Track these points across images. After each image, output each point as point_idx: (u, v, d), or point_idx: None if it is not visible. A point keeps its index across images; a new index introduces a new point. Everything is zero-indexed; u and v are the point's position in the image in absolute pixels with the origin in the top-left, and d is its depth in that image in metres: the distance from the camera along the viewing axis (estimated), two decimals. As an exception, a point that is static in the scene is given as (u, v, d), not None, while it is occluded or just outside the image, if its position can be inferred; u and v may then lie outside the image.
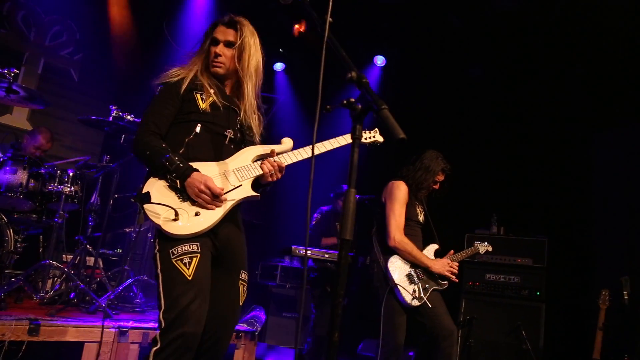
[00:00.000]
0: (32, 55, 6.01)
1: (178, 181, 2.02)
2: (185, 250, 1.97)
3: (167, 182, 2.05)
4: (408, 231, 3.50)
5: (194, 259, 1.97)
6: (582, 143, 5.55)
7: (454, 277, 3.43)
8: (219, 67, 2.25)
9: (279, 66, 7.20)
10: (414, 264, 3.40)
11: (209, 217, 2.05)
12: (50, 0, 5.99)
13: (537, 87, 5.79)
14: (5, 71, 3.43)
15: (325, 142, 2.32)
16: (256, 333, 4.00)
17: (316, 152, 2.21)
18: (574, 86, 5.51)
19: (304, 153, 2.27)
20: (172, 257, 1.96)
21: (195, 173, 2.04)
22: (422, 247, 3.57)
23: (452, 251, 3.59)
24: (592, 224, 5.40)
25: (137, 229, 4.39)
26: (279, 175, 2.19)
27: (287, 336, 5.10)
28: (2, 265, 3.26)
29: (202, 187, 2.00)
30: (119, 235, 5.04)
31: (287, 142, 2.30)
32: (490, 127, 6.09)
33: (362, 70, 6.88)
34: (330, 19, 1.55)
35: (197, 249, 1.99)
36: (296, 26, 5.75)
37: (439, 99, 6.38)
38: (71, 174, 3.68)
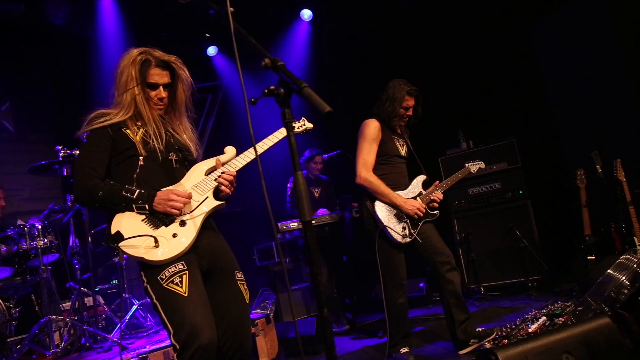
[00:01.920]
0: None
1: (146, 205, 2.02)
2: (172, 271, 1.99)
3: (135, 212, 2.04)
4: (389, 168, 3.50)
5: (184, 276, 1.99)
6: (524, 37, 5.59)
7: (419, 215, 3.36)
8: (162, 109, 2.29)
9: (212, 50, 6.91)
10: None
11: (188, 234, 2.06)
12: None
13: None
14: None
15: (266, 140, 2.37)
16: (271, 315, 4.09)
17: (250, 157, 2.29)
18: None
19: (250, 155, 2.31)
20: (162, 282, 1.97)
21: (158, 192, 2.07)
22: (407, 183, 3.55)
23: (437, 182, 3.57)
24: (553, 111, 5.53)
25: (125, 256, 4.37)
26: (234, 185, 2.23)
27: (301, 307, 5.21)
28: (3, 336, 3.24)
29: (171, 195, 2.03)
30: (109, 268, 5.01)
31: (230, 150, 2.35)
32: (433, 48, 6.08)
33: (290, 28, 6.78)
34: (232, 9, 1.52)
35: (184, 267, 2.01)
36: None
37: (376, 38, 6.33)
38: (39, 226, 3.61)
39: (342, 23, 6.51)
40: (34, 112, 6.00)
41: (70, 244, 4.14)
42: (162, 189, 2.09)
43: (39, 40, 5.83)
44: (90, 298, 4.19)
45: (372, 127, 3.48)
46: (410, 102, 3.54)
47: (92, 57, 5.68)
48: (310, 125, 2.66)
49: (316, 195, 5.47)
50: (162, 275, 1.98)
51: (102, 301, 4.61)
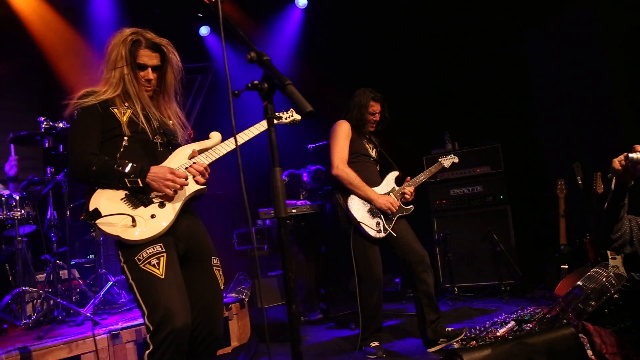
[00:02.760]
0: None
1: (139, 179, 2.02)
2: (150, 252, 2.00)
3: (118, 190, 2.05)
4: (359, 166, 3.58)
5: (162, 258, 2.00)
6: (516, 43, 5.63)
7: (392, 210, 3.43)
8: (150, 91, 2.28)
9: (204, 30, 6.83)
10: None
11: (166, 217, 2.07)
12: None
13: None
14: None
15: (247, 131, 2.37)
16: (246, 300, 4.11)
17: (227, 149, 2.30)
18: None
19: (227, 147, 2.32)
20: (139, 263, 1.98)
21: (153, 167, 2.06)
22: (379, 180, 3.63)
23: (408, 178, 3.66)
24: (538, 120, 5.59)
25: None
26: (206, 175, 2.22)
27: (277, 294, 5.24)
28: (-25, 304, 3.22)
29: (169, 175, 2.04)
30: (86, 242, 4.99)
31: (215, 136, 2.35)
32: (425, 48, 6.09)
33: (283, 15, 6.72)
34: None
35: (162, 249, 2.02)
36: None
37: (369, 31, 6.30)
38: (17, 197, 3.58)
39: (336, 15, 6.47)
40: (17, 80, 5.89)
41: (48, 217, 4.10)
42: (158, 166, 2.10)
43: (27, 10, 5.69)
44: (65, 271, 4.17)
45: (344, 126, 3.63)
46: (376, 107, 3.68)
47: (81, 29, 5.57)
48: (298, 117, 2.66)
49: (301, 197, 5.50)
50: (140, 256, 1.99)
51: (77, 275, 4.60)
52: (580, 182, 4.47)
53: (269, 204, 5.07)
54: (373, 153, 3.73)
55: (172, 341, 1.89)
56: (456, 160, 3.92)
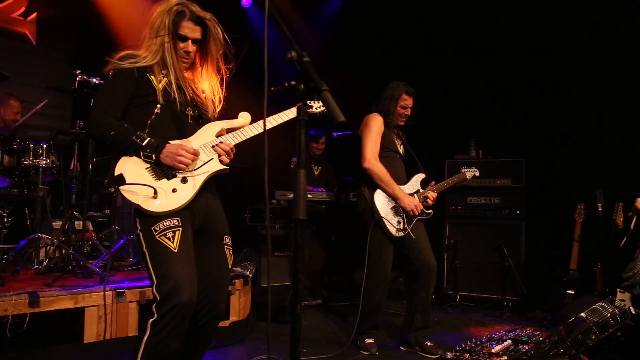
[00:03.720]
0: (-18, 23, 5.71)
1: (153, 155, 2.06)
2: (167, 225, 2.03)
3: (141, 159, 2.08)
4: (388, 161, 3.57)
5: (177, 232, 2.04)
6: (557, 60, 5.51)
7: (415, 212, 3.44)
8: (187, 63, 2.29)
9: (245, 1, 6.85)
10: None
11: (187, 192, 2.10)
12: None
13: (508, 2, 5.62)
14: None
15: (276, 116, 2.37)
16: (250, 276, 4.17)
17: (254, 132, 2.31)
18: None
19: (254, 130, 2.33)
20: (155, 234, 2.02)
21: (168, 144, 2.10)
22: (405, 179, 3.64)
23: (432, 182, 3.65)
24: (568, 140, 5.49)
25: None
26: (231, 156, 2.24)
27: (281, 276, 5.30)
28: (-7, 243, 3.33)
29: (180, 150, 2.07)
30: (104, 197, 5.09)
31: (245, 116, 2.36)
32: (462, 50, 6.00)
33: (318, 5, 6.63)
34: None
35: (179, 223, 2.06)
36: None
37: (405, 27, 6.21)
38: (45, 146, 3.66)
39: (374, 13, 6.37)
40: (57, 29, 5.95)
41: (71, 167, 4.19)
42: (172, 142, 2.12)
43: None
44: (80, 222, 4.27)
45: (377, 119, 3.59)
46: (409, 101, 3.64)
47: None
48: None
49: (315, 173, 5.51)
50: (157, 227, 2.03)
51: (90, 228, 4.71)
52: (600, 209, 4.41)
53: (284, 187, 5.10)
54: (401, 149, 3.71)
55: (176, 313, 1.94)
56: (477, 174, 3.91)
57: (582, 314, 2.85)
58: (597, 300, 3.20)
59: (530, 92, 5.59)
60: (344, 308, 4.67)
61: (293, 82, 1.28)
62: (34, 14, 5.89)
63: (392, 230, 3.43)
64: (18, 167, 3.60)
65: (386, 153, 3.60)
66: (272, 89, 1.35)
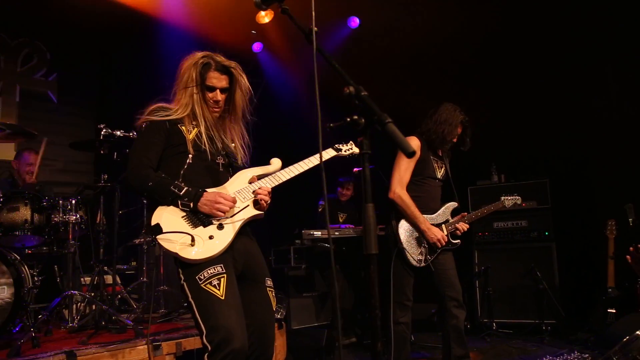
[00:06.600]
0: (6, 84, 5.93)
1: (191, 203, 2.07)
2: (211, 273, 2.02)
3: (178, 208, 2.09)
4: (420, 190, 3.48)
5: (222, 279, 2.03)
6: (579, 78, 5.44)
7: (438, 245, 3.35)
8: (217, 112, 2.34)
9: (257, 47, 7.00)
10: None
11: (224, 238, 2.10)
12: (13, 24, 5.85)
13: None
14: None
15: (306, 160, 2.41)
16: (282, 320, 4.10)
17: (288, 176, 2.35)
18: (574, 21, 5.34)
19: (288, 174, 2.36)
20: (200, 282, 2.01)
21: (205, 192, 2.12)
22: (439, 204, 3.54)
23: (465, 213, 3.55)
24: (592, 156, 5.43)
25: (145, 240, 4.43)
26: (269, 200, 2.26)
27: (310, 316, 5.20)
28: (25, 304, 3.29)
29: (218, 198, 2.09)
30: (129, 249, 5.06)
31: (276, 162, 2.41)
32: (479, 75, 6.01)
33: (333, 35, 6.70)
34: (316, 28, 1.54)
35: (223, 270, 2.04)
36: (262, 14, 5.65)
37: (421, 49, 6.22)
38: (73, 201, 3.67)
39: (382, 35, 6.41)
40: (78, 87, 6.15)
41: (97, 221, 4.19)
42: (209, 190, 2.14)
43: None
44: (109, 276, 4.23)
45: (413, 145, 3.46)
46: (460, 130, 3.55)
47: (144, 47, 5.73)
48: (357, 150, 2.66)
49: (340, 220, 5.52)
50: (201, 275, 2.02)
51: (118, 281, 4.66)
52: (632, 224, 4.34)
53: (310, 227, 5.06)
54: (440, 173, 3.58)
55: None
56: (519, 201, 3.75)
57: (638, 332, 2.75)
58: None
59: (549, 112, 5.54)
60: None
61: (355, 117, 1.27)
62: (55, 74, 6.14)
63: (413, 262, 3.35)
64: (48, 224, 3.60)
65: (421, 180, 3.49)
66: (331, 125, 1.35)
